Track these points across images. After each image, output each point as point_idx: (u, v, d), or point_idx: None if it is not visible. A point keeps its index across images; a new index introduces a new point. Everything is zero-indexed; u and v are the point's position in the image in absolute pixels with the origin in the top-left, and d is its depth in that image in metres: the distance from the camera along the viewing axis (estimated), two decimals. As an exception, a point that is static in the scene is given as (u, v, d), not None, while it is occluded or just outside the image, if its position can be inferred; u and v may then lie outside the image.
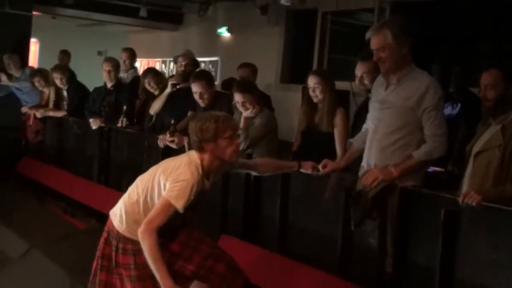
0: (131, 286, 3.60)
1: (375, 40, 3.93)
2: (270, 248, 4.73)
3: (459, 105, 5.47)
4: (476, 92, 5.37)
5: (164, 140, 5.80)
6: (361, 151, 4.22)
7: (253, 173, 4.23)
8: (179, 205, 3.39)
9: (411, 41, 3.94)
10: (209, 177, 3.59)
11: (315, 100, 4.88)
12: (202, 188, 3.52)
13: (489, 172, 3.63)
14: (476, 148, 3.79)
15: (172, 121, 5.78)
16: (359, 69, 4.58)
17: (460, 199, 3.45)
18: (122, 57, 7.87)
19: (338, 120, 4.80)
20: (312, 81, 4.85)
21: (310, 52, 8.66)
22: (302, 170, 4.17)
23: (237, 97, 5.17)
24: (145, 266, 3.47)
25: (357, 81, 4.64)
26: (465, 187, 3.72)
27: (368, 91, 4.56)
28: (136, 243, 3.50)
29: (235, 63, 8.41)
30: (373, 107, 4.16)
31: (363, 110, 4.64)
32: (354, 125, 4.78)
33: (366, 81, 4.54)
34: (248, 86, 5.36)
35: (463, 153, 5.00)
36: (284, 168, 4.27)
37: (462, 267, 3.55)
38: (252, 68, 6.85)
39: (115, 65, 7.44)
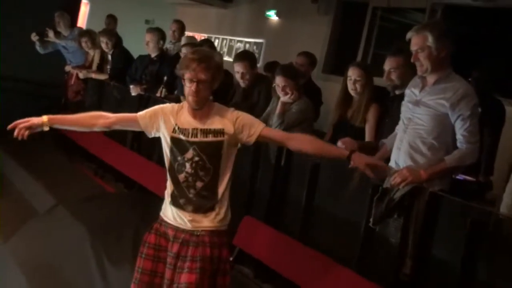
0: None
1: (415, 41, 3.91)
2: (291, 235, 4.72)
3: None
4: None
5: None
6: (392, 152, 4.20)
7: (290, 147, 3.58)
8: (138, 113, 3.54)
9: (451, 46, 3.89)
10: (196, 116, 3.42)
11: (352, 93, 4.84)
12: (183, 125, 3.42)
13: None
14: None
15: (211, 97, 5.79)
16: (388, 64, 4.56)
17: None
18: (171, 28, 7.89)
19: (371, 115, 4.76)
20: (354, 73, 4.81)
21: (356, 46, 8.59)
22: (351, 163, 3.40)
23: (279, 81, 5.14)
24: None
25: (384, 77, 4.59)
26: (506, 200, 3.66)
27: (395, 87, 4.53)
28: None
29: (280, 47, 8.41)
30: (405, 107, 4.12)
31: (389, 107, 4.61)
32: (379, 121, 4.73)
33: (393, 77, 4.52)
34: (292, 71, 5.30)
35: (492, 162, 4.96)
36: (330, 153, 3.54)
37: (482, 275, 3.52)
38: (311, 59, 6.76)
39: (157, 37, 7.44)
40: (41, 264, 5.05)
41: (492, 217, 3.48)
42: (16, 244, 5.44)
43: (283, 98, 5.14)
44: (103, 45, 8.21)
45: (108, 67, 8.37)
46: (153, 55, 7.46)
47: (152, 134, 3.55)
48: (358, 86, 4.78)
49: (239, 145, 3.51)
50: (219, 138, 3.40)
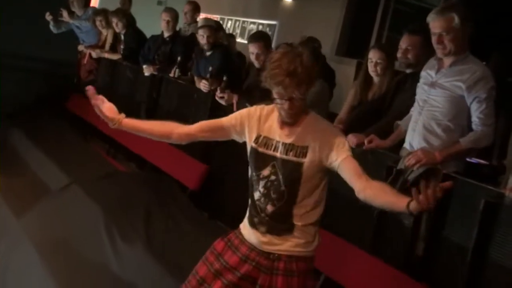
0: None
1: (439, 23, 3.86)
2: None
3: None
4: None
5: (205, 85, 6.02)
6: (407, 133, 4.21)
7: (357, 192, 2.76)
8: (224, 118, 3.10)
9: (472, 28, 3.87)
10: (284, 127, 2.95)
11: (373, 75, 4.83)
12: (266, 133, 2.97)
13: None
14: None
15: (224, 78, 5.82)
16: (405, 42, 4.52)
17: (507, 192, 3.41)
18: (184, 9, 7.88)
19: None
20: (376, 55, 4.79)
21: (370, 28, 8.55)
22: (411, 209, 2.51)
23: None
24: None
25: (400, 54, 4.56)
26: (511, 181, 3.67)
27: (409, 65, 4.52)
28: None
29: (293, 30, 8.38)
30: (421, 89, 4.11)
31: (401, 85, 4.60)
32: (391, 100, 4.70)
33: (409, 55, 4.50)
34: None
35: (505, 146, 4.95)
36: (393, 206, 2.61)
37: (495, 258, 3.53)
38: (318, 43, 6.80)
39: (174, 16, 7.46)
40: (54, 240, 5.09)
41: (505, 199, 3.47)
42: (29, 221, 5.47)
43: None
44: (114, 25, 8.23)
45: (121, 47, 8.39)
46: (166, 35, 7.46)
47: (242, 141, 3.10)
48: (379, 68, 4.77)
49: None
50: (300, 159, 2.87)
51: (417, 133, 4.03)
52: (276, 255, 2.94)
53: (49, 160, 7.02)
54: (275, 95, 2.84)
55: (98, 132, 7.83)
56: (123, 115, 3.12)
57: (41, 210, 5.63)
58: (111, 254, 4.87)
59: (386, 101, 4.67)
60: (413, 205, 2.45)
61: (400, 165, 3.95)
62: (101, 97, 3.14)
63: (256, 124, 3.00)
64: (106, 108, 3.11)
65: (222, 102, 5.75)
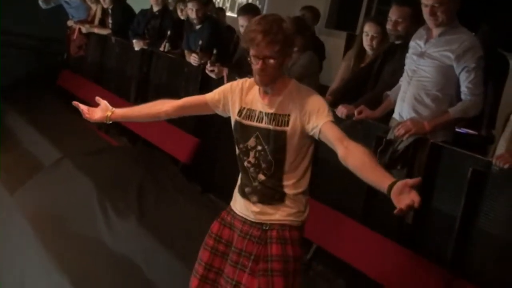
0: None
1: None
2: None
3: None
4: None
5: (195, 58, 6.02)
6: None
7: (339, 155, 2.72)
8: (207, 94, 3.12)
9: None
10: (266, 97, 2.92)
11: (368, 48, 4.83)
12: (249, 105, 2.96)
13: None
14: (517, 115, 3.76)
15: (214, 51, 5.81)
16: (394, 14, 4.50)
17: (493, 160, 3.45)
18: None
19: None
20: (372, 29, 4.78)
21: (359, 1, 8.51)
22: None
23: None
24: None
25: (389, 26, 4.54)
26: (499, 150, 3.70)
27: (399, 37, 4.51)
28: None
29: (283, 2, 8.33)
30: (410, 59, 4.13)
31: (389, 55, 4.61)
32: (380, 69, 4.69)
33: (399, 28, 4.48)
34: (300, 24, 5.25)
35: (494, 116, 4.98)
36: (372, 178, 2.60)
37: (482, 224, 3.58)
38: (314, 13, 6.75)
39: (164, -11, 7.43)
40: (47, 215, 5.13)
41: (492, 167, 3.51)
42: (22, 197, 5.50)
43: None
44: (101, 0, 8.19)
45: (109, 22, 8.34)
46: (155, 10, 7.44)
47: (227, 116, 3.09)
48: (375, 42, 4.77)
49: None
50: (282, 128, 2.86)
51: (406, 103, 4.05)
52: (269, 224, 2.94)
53: (41, 136, 7.04)
54: (251, 59, 2.82)
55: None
56: (112, 109, 3.20)
57: (34, 185, 5.65)
58: (104, 227, 4.92)
59: (373, 69, 4.68)
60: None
61: (390, 135, 3.98)
62: (86, 108, 3.26)
63: (238, 96, 3.00)
64: (97, 113, 3.23)
65: (212, 75, 5.76)
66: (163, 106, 3.17)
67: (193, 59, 6.11)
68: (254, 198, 2.97)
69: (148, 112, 3.22)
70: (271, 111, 2.89)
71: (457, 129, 4.36)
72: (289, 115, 2.85)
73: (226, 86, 3.09)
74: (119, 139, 7.28)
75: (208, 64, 5.76)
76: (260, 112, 2.92)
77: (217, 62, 5.76)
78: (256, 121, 2.92)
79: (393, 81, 4.38)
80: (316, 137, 2.81)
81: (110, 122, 3.24)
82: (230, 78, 5.55)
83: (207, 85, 5.94)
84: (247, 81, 3.02)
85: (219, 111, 3.10)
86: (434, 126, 3.87)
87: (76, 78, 8.74)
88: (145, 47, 7.28)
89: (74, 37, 8.77)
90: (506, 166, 3.38)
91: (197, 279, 3.08)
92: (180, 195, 5.38)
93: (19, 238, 4.97)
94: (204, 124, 5.95)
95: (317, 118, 2.79)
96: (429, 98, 3.95)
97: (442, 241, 3.83)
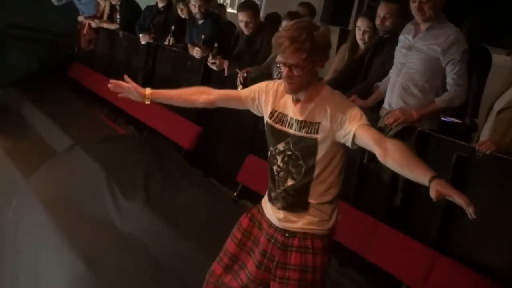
0: None
1: None
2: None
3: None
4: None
5: (198, 51, 6.01)
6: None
7: (378, 156, 2.52)
8: (242, 90, 3.01)
9: None
10: (297, 103, 2.75)
11: (360, 42, 4.84)
12: (281, 109, 2.81)
13: (510, 129, 3.63)
14: (500, 105, 3.75)
15: (216, 45, 5.82)
16: (383, 10, 4.51)
17: (477, 147, 3.48)
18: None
19: None
20: (364, 24, 4.79)
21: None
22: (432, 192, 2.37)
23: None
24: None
25: (378, 21, 4.54)
26: (483, 137, 3.72)
27: (387, 32, 4.52)
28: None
29: (281, -2, 8.30)
30: (399, 52, 4.15)
31: (378, 48, 4.62)
32: (370, 61, 4.70)
33: (387, 23, 4.49)
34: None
35: (477, 106, 5.00)
36: (413, 173, 2.46)
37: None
38: (310, 10, 6.75)
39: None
40: (60, 198, 5.13)
41: (476, 154, 3.54)
42: (37, 181, 5.51)
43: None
44: (109, -4, 8.21)
45: (117, 17, 8.34)
46: (160, 6, 7.44)
47: (260, 115, 2.94)
48: (366, 36, 4.78)
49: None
50: (312, 135, 2.69)
51: (395, 94, 4.08)
52: (291, 232, 2.81)
53: (53, 124, 7.04)
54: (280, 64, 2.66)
55: (99, 98, 7.82)
56: (148, 89, 3.04)
57: (48, 170, 5.65)
58: (113, 209, 4.93)
59: (364, 62, 4.69)
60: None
61: (380, 124, 4.00)
62: (121, 85, 3.14)
63: (272, 98, 2.84)
64: (132, 92, 3.10)
65: (214, 67, 5.78)
66: (201, 97, 3.01)
67: (196, 52, 6.12)
68: (279, 204, 2.83)
69: (186, 98, 3.05)
70: (301, 118, 2.71)
71: (442, 118, 4.39)
72: (319, 122, 2.67)
73: (261, 85, 2.92)
74: (126, 127, 7.28)
75: (210, 57, 5.79)
76: (291, 118, 2.75)
77: (218, 55, 5.79)
78: (287, 127, 2.76)
79: (383, 72, 4.40)
80: (349, 144, 2.61)
81: (148, 101, 3.04)
82: (231, 70, 5.58)
83: (209, 76, 5.96)
84: (282, 84, 2.79)
85: (253, 110, 2.95)
86: (421, 115, 3.90)
87: (86, 70, 8.74)
88: (151, 41, 7.29)
89: (84, 31, 8.75)
90: (488, 152, 3.42)
91: (222, 268, 3.01)
92: (183, 179, 5.39)
93: (34, 219, 4.99)
94: (206, 114, 5.96)
95: (349, 124, 2.59)
96: (417, 89, 3.98)
97: (427, 221, 3.87)
